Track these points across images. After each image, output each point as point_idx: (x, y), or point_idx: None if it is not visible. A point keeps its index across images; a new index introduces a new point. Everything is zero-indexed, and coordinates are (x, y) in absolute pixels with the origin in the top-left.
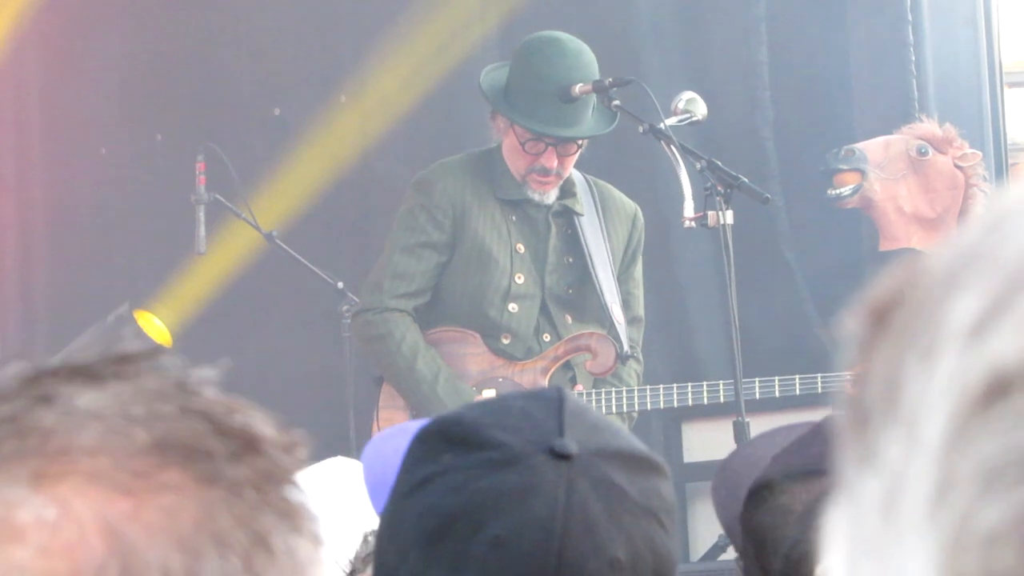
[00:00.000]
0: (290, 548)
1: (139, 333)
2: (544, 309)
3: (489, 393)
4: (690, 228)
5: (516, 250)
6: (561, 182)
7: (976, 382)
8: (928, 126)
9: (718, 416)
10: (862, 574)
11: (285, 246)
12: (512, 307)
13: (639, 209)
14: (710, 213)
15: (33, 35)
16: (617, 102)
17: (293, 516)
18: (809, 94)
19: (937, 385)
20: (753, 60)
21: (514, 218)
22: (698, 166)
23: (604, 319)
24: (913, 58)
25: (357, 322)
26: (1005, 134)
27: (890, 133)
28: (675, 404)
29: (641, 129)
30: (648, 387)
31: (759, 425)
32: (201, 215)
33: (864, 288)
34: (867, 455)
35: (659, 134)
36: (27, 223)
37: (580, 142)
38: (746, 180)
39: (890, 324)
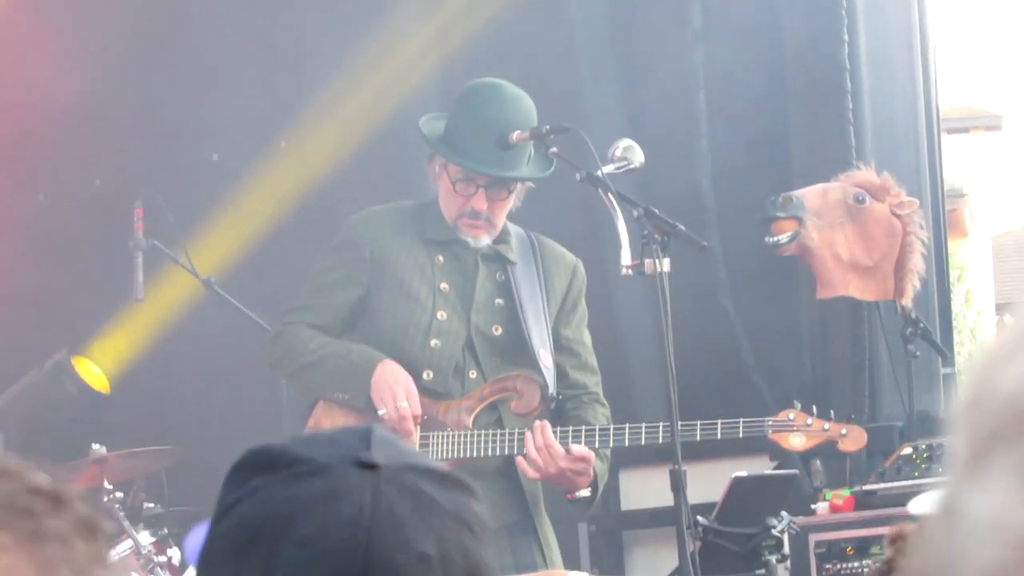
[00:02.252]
0: None
1: (76, 379)
2: (470, 347)
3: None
4: (627, 276)
5: (440, 288)
6: (493, 230)
7: None
8: (865, 174)
9: (655, 463)
10: None
11: (222, 292)
12: (434, 343)
13: (580, 263)
14: (647, 261)
15: None
16: (554, 149)
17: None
18: (747, 141)
19: None
20: (691, 107)
21: (440, 258)
22: (635, 214)
23: (532, 362)
24: (851, 105)
25: (267, 351)
26: (942, 182)
27: (828, 180)
28: (610, 444)
29: (578, 177)
30: (583, 427)
31: (696, 472)
32: (139, 261)
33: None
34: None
35: (596, 182)
36: None
37: (511, 187)
38: (683, 228)
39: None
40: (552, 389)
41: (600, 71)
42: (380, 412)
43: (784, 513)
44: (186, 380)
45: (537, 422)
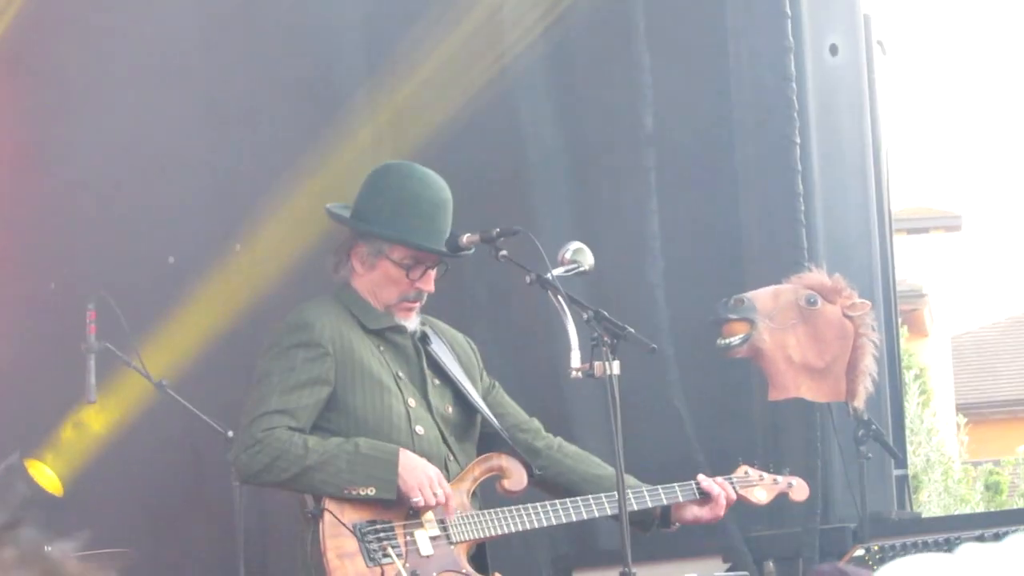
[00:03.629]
0: None
1: (30, 482)
2: (439, 431)
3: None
4: (576, 378)
5: (398, 376)
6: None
7: None
8: (817, 275)
9: (607, 565)
10: None
11: (175, 394)
12: (419, 429)
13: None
14: (596, 363)
15: None
16: (504, 252)
17: None
18: (699, 243)
19: None
20: (643, 209)
21: (382, 348)
22: (584, 316)
23: (480, 439)
24: (803, 207)
25: (242, 460)
26: (895, 282)
27: (779, 282)
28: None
29: (528, 279)
30: (539, 504)
31: (646, 575)
32: (91, 364)
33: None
34: None
35: (546, 284)
36: None
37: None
38: (632, 330)
39: None
40: (532, 464)
41: (551, 173)
42: (414, 500)
43: None
44: (140, 483)
45: (720, 479)
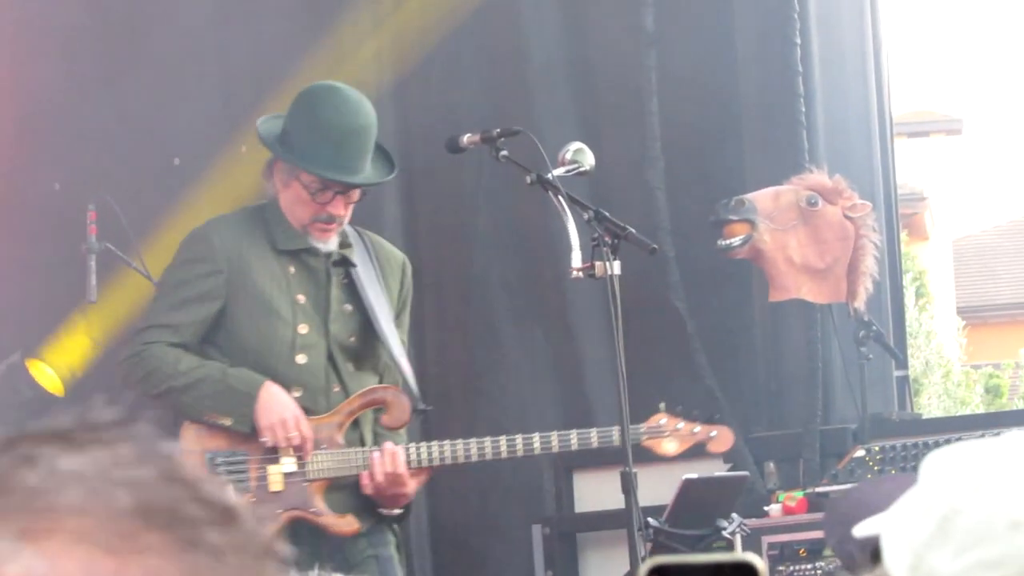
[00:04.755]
0: None
1: (31, 382)
2: (331, 359)
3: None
4: (577, 279)
5: (297, 301)
6: (341, 231)
7: None
8: (818, 177)
9: (608, 465)
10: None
11: None
12: (300, 358)
13: (407, 261)
14: (597, 264)
15: None
16: (505, 152)
17: None
18: (699, 144)
19: None
20: (644, 110)
21: (292, 269)
22: (585, 216)
23: (385, 369)
24: (803, 109)
25: (124, 368)
26: (895, 185)
27: (780, 184)
28: (555, 449)
29: (528, 180)
30: (538, 434)
31: (648, 475)
32: (92, 264)
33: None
34: None
35: (546, 184)
36: None
37: (360, 190)
38: (633, 230)
39: None
40: (419, 400)
41: (552, 74)
42: (262, 439)
43: (735, 515)
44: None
45: (388, 446)
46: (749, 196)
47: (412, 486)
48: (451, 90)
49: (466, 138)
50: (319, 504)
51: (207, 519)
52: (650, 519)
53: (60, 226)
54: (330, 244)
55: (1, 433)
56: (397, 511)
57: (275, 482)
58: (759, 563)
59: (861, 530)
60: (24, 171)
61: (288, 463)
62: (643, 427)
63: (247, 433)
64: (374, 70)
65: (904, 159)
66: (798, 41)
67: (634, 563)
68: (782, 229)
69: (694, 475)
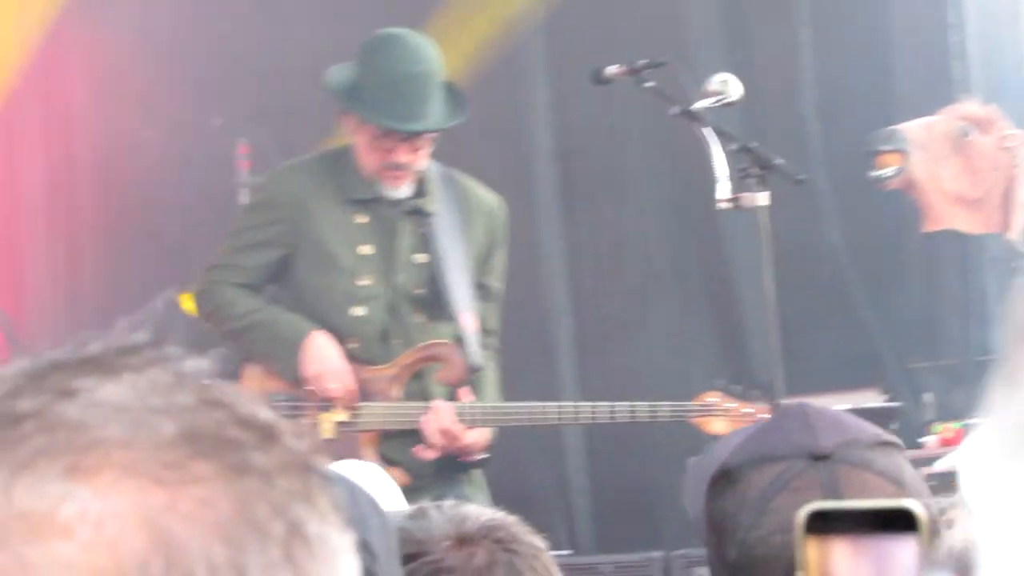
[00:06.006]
0: (323, 537)
1: (184, 316)
2: (395, 312)
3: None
4: (724, 210)
5: (360, 252)
6: (414, 176)
7: None
8: (971, 107)
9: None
10: (1006, 473)
11: None
12: (357, 310)
13: (502, 202)
14: (744, 195)
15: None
16: (651, 83)
17: (321, 504)
18: (851, 75)
19: None
20: (796, 41)
21: (361, 218)
22: (732, 148)
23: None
24: (956, 39)
25: (196, 302)
26: None
27: (932, 114)
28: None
29: (672, 111)
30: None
31: None
32: (241, 199)
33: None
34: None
35: (691, 115)
36: (74, 205)
37: (432, 135)
38: (780, 160)
39: None
40: (477, 358)
41: (704, 5)
42: (307, 388)
43: None
44: None
45: (436, 403)
46: (901, 126)
47: (473, 436)
48: (601, 17)
49: (613, 70)
50: (368, 455)
51: (251, 442)
52: None
53: (217, 160)
54: (401, 191)
55: (30, 364)
56: (480, 456)
57: (326, 430)
58: (918, 508)
59: (941, 464)
60: (180, 105)
61: (341, 413)
62: (692, 405)
63: (295, 381)
64: (527, 1)
65: None
66: None
67: None
68: (935, 159)
69: (847, 406)
